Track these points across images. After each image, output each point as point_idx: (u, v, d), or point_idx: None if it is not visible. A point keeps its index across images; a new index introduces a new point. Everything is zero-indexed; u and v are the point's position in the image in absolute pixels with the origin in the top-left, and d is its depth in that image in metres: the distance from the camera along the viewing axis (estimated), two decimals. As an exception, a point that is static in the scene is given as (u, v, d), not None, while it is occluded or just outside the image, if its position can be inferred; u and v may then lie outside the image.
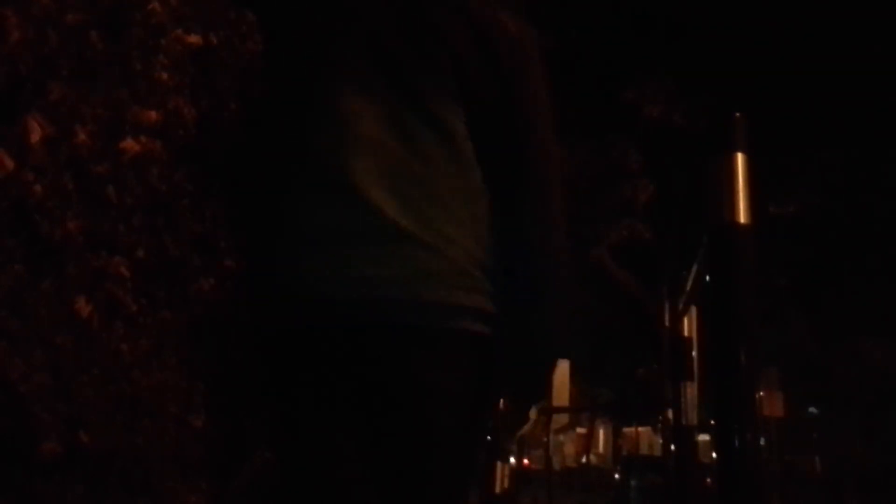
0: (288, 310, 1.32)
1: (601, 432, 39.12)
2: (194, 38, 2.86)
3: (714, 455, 1.58)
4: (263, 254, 1.37)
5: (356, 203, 1.28)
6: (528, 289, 1.38)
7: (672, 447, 3.23)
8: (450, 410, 1.32)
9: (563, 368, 11.92)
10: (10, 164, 2.07)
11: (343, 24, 1.37)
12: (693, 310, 3.02)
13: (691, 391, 3.03)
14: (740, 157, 1.59)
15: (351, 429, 1.31)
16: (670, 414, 3.19)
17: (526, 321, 1.39)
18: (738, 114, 1.62)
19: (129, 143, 2.47)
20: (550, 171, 1.42)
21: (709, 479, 5.63)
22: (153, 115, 2.58)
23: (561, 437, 38.86)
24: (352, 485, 1.29)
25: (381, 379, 1.31)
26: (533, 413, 1.50)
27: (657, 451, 20.89)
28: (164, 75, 2.67)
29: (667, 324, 3.25)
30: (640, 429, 34.60)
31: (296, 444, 1.35)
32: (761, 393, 13.79)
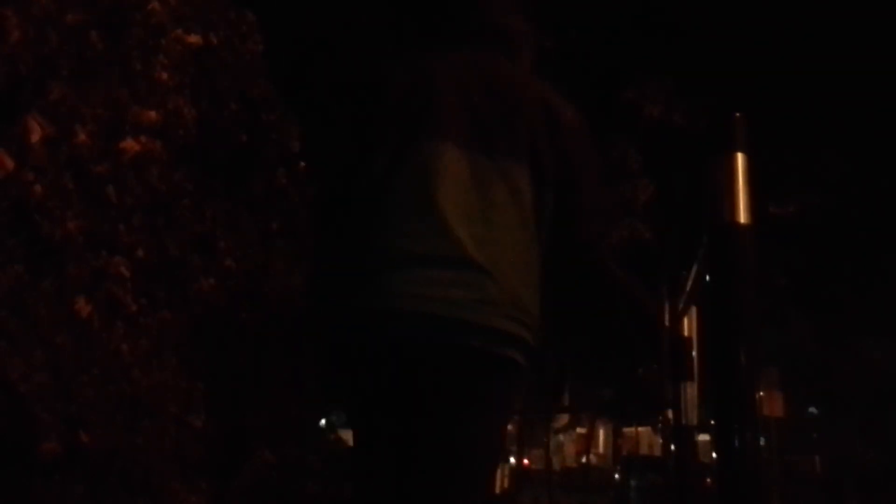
0: (381, 318, 1.54)
1: (601, 432, 39.11)
2: (194, 38, 2.86)
3: (714, 455, 1.58)
4: (357, 272, 1.58)
5: (443, 234, 1.54)
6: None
7: (672, 447, 3.23)
8: (489, 415, 1.59)
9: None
10: (10, 164, 2.07)
11: (447, 94, 1.65)
12: (693, 310, 3.02)
13: (691, 391, 3.02)
14: (740, 157, 1.59)
15: (409, 423, 1.57)
16: (670, 414, 3.19)
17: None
18: (738, 114, 1.61)
19: (129, 143, 2.47)
20: (602, 242, 1.75)
21: (709, 479, 5.63)
22: (153, 115, 2.58)
23: (561, 437, 38.87)
24: (408, 465, 1.56)
25: (440, 385, 1.56)
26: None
27: (657, 451, 20.88)
28: (164, 75, 2.67)
29: (667, 324, 3.24)
30: (640, 429, 34.59)
31: (368, 433, 1.63)
32: (761, 393, 13.79)
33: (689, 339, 3.06)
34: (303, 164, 3.82)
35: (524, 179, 1.63)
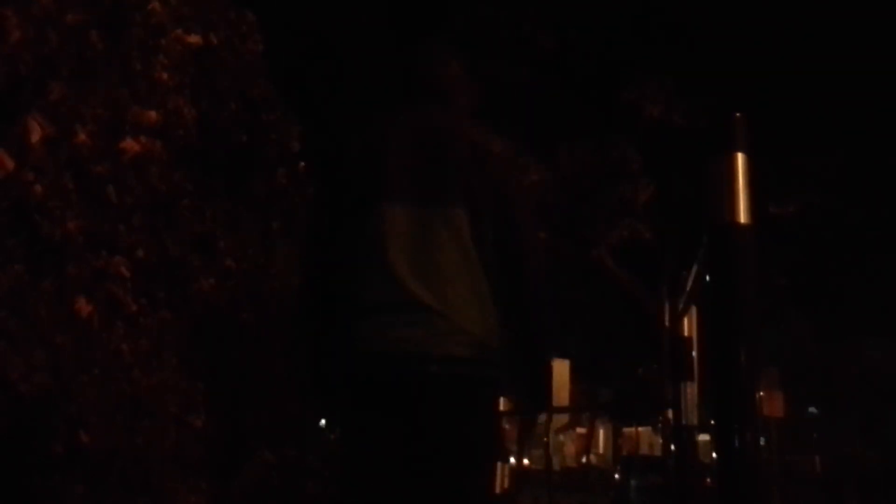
0: (355, 359, 1.89)
1: (601, 432, 39.11)
2: (194, 38, 2.86)
3: (714, 455, 1.58)
4: (337, 319, 1.93)
5: (394, 284, 1.87)
6: (530, 345, 2.01)
7: (672, 447, 3.23)
8: (459, 423, 1.87)
9: (562, 368, 11.93)
10: (10, 164, 2.07)
11: (393, 159, 1.95)
12: (693, 310, 3.02)
13: (691, 391, 3.03)
14: (740, 157, 1.59)
15: (398, 438, 1.88)
16: (670, 414, 3.19)
17: (531, 365, 2.03)
18: (738, 114, 1.62)
19: (129, 143, 2.47)
20: (534, 257, 2.01)
21: (709, 479, 5.63)
22: (153, 115, 2.58)
23: (561, 437, 38.85)
24: (401, 475, 1.87)
25: (415, 406, 1.87)
26: (541, 418, 2.15)
27: (657, 451, 20.86)
28: (164, 75, 2.67)
29: (667, 324, 3.25)
30: (640, 429, 34.59)
31: (362, 447, 1.91)
32: (761, 393, 13.78)
33: (689, 339, 3.06)
34: (303, 164, 3.82)
35: (463, 219, 1.93)
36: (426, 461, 1.88)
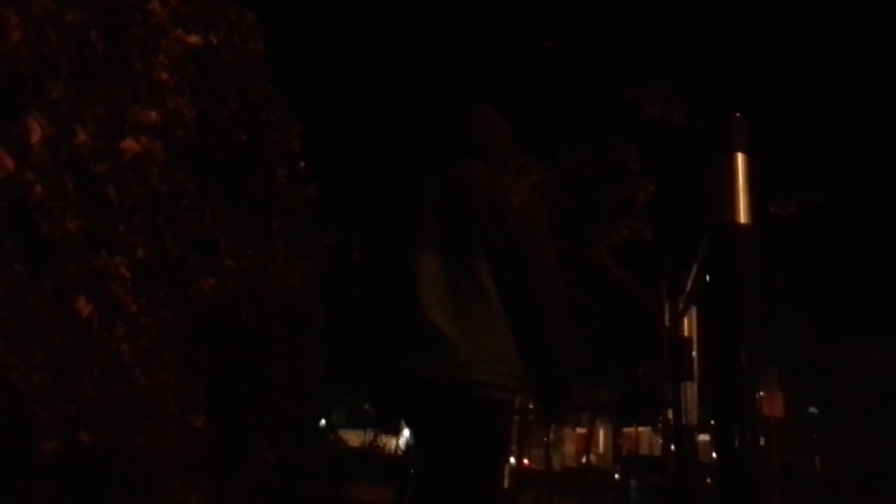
0: (390, 384, 2.30)
1: (601, 432, 39.11)
2: (194, 38, 2.86)
3: (714, 455, 1.59)
4: (374, 351, 2.34)
5: (424, 321, 2.22)
6: (552, 378, 2.33)
7: (672, 447, 3.23)
8: (475, 440, 2.23)
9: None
10: (10, 164, 2.06)
11: (426, 208, 2.30)
12: (693, 310, 3.02)
13: (691, 391, 3.03)
14: (740, 157, 1.60)
15: (430, 444, 2.29)
16: (670, 414, 3.20)
17: (553, 394, 2.38)
18: (738, 114, 1.62)
19: (129, 143, 2.47)
20: (554, 303, 2.29)
21: (709, 479, 5.62)
22: (153, 115, 2.58)
23: (561, 437, 38.82)
24: (435, 478, 2.25)
25: (440, 423, 2.25)
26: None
27: (657, 451, 20.86)
28: (164, 75, 2.67)
29: (667, 324, 3.25)
30: (640, 429, 34.60)
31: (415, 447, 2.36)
32: (761, 393, 13.77)
33: (689, 339, 3.07)
34: (303, 164, 3.82)
35: (483, 267, 2.23)
36: (448, 465, 2.23)
